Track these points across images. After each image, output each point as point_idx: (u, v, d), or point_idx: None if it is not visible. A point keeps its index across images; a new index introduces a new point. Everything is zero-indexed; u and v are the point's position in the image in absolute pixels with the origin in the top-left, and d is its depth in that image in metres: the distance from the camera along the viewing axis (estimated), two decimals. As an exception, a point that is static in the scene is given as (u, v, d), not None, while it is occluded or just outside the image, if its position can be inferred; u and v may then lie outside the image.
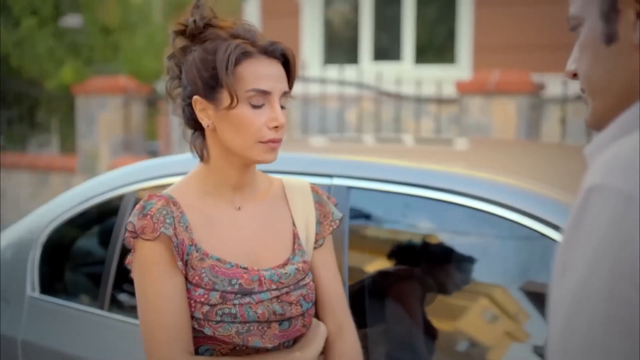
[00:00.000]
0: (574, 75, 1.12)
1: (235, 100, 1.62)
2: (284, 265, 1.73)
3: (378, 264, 2.36)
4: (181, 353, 1.62)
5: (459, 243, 2.24)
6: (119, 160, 7.15)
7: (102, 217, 2.84)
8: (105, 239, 2.69)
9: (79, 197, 2.81)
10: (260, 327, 1.65)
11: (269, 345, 1.66)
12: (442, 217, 2.22)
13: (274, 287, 1.68)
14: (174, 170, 2.57)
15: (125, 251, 2.61)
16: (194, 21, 1.67)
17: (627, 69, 1.01)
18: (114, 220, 2.66)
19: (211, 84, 1.64)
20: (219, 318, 1.62)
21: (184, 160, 2.65)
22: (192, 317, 1.63)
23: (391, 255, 2.36)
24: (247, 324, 1.63)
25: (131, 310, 2.66)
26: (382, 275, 2.31)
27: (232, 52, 1.61)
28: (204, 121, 1.67)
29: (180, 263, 1.63)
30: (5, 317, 2.78)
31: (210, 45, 1.64)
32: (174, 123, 8.33)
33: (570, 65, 1.12)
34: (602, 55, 1.03)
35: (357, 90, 6.96)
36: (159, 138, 9.23)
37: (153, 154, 8.11)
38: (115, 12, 8.33)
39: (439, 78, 6.67)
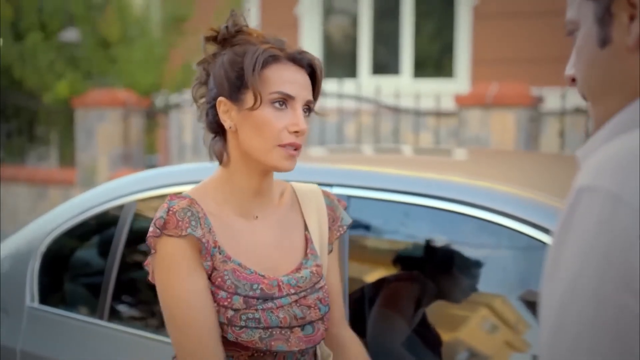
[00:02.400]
0: (573, 80, 1.12)
1: (259, 101, 1.64)
2: (298, 269, 1.74)
3: (378, 273, 2.36)
4: (220, 346, 1.62)
5: (460, 252, 2.24)
6: (118, 173, 7.15)
7: (102, 227, 2.84)
8: (105, 249, 2.69)
9: (79, 208, 2.81)
10: (282, 332, 1.66)
11: (295, 349, 1.67)
12: (444, 226, 2.22)
13: (292, 291, 1.70)
14: (173, 180, 2.57)
15: (125, 261, 2.61)
16: (227, 27, 1.71)
17: (622, 72, 1.01)
18: (113, 231, 2.66)
19: (237, 85, 1.66)
20: (243, 323, 1.62)
21: (183, 170, 2.66)
22: None
23: (391, 263, 2.37)
24: (270, 329, 1.64)
25: (131, 321, 2.65)
26: (382, 283, 2.31)
27: (261, 55, 1.65)
28: (227, 122, 1.68)
29: (207, 263, 1.63)
30: (5, 327, 2.78)
31: (240, 49, 1.68)
32: (173, 136, 8.34)
33: (569, 70, 1.12)
34: (598, 59, 1.04)
35: (356, 103, 6.97)
36: (158, 151, 9.24)
37: (152, 167, 8.11)
38: (113, 26, 8.35)
39: (437, 92, 6.69)
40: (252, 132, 1.66)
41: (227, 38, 1.71)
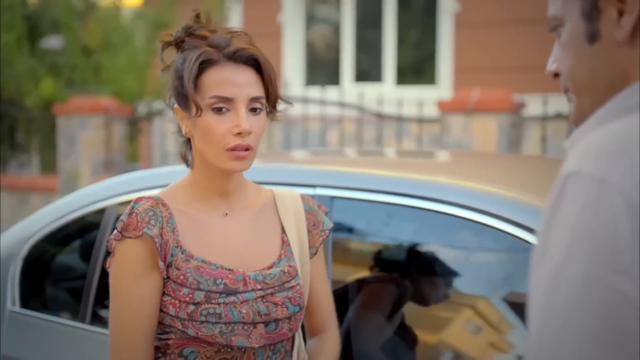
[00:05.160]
0: (556, 75, 1.12)
1: (199, 109, 1.63)
2: (269, 268, 1.74)
3: (361, 274, 2.36)
4: (150, 351, 1.67)
5: (444, 252, 2.24)
6: (100, 180, 7.11)
7: (83, 231, 2.83)
8: (87, 252, 2.67)
9: (60, 212, 2.79)
10: (245, 328, 1.66)
11: (256, 345, 1.67)
12: (428, 226, 2.22)
13: (258, 287, 1.69)
14: (155, 183, 2.56)
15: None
16: (179, 31, 1.71)
17: (611, 67, 1.02)
18: (95, 234, 2.65)
19: (182, 93, 1.66)
20: (203, 318, 1.63)
21: (166, 173, 2.65)
22: (177, 318, 1.64)
23: (375, 264, 2.36)
24: (232, 325, 1.64)
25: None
26: (364, 284, 2.30)
27: (194, 62, 1.63)
28: (183, 129, 1.71)
29: (161, 263, 1.65)
30: (-15, 331, 2.75)
31: (184, 55, 1.68)
32: (156, 144, 8.32)
33: (551, 66, 1.13)
34: (586, 54, 1.04)
35: (339, 110, 6.98)
36: (141, 159, 9.20)
37: (134, 175, 8.05)
38: (96, 33, 8.32)
39: (420, 99, 6.71)
40: (201, 138, 1.67)
41: (178, 43, 1.71)
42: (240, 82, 1.65)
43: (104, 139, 7.50)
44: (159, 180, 2.56)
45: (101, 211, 2.66)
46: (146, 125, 8.42)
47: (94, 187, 2.80)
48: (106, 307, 2.62)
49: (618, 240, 0.85)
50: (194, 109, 1.64)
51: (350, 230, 2.34)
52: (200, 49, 1.65)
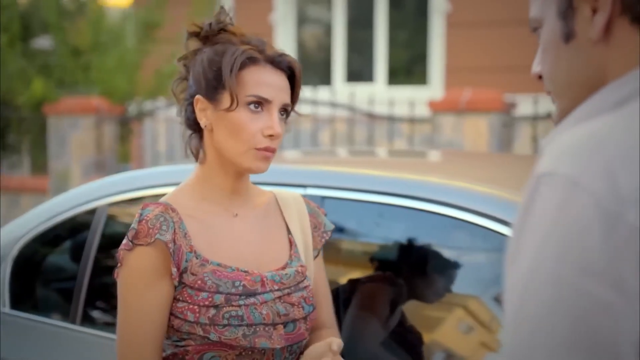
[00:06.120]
0: (540, 77, 1.13)
1: (235, 103, 1.64)
2: (284, 268, 1.74)
3: (352, 274, 2.35)
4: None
5: (436, 252, 2.24)
6: (90, 181, 7.09)
7: (75, 231, 2.82)
8: (77, 253, 2.66)
9: (51, 212, 2.78)
10: (266, 329, 1.65)
11: (277, 346, 1.66)
12: (419, 226, 2.22)
13: (276, 287, 1.69)
14: (146, 183, 2.55)
15: (98, 265, 2.58)
16: (210, 24, 1.72)
17: (587, 65, 1.02)
18: (86, 234, 2.63)
19: (214, 84, 1.66)
20: (225, 322, 1.62)
21: (156, 172, 2.64)
22: (197, 323, 1.62)
23: (366, 265, 2.36)
24: (254, 326, 1.64)
25: (104, 324, 2.63)
26: (356, 285, 2.30)
27: (239, 56, 1.65)
28: (202, 121, 1.69)
29: (174, 269, 1.62)
30: (-25, 333, 2.74)
31: (220, 48, 1.68)
32: (147, 145, 8.30)
33: (535, 68, 1.13)
34: (563, 54, 1.04)
35: (330, 110, 6.98)
36: (132, 160, 9.18)
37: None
38: (86, 33, 8.30)
39: (411, 99, 6.71)
40: (227, 133, 1.66)
41: (209, 36, 1.71)
42: (278, 86, 1.68)
43: (94, 139, 7.48)
44: (150, 180, 2.55)
45: (92, 211, 2.65)
46: (137, 125, 8.40)
47: (84, 188, 2.79)
48: (97, 307, 2.62)
49: (589, 242, 0.84)
50: (226, 102, 1.64)
51: (341, 230, 2.34)
52: (240, 45, 1.67)
